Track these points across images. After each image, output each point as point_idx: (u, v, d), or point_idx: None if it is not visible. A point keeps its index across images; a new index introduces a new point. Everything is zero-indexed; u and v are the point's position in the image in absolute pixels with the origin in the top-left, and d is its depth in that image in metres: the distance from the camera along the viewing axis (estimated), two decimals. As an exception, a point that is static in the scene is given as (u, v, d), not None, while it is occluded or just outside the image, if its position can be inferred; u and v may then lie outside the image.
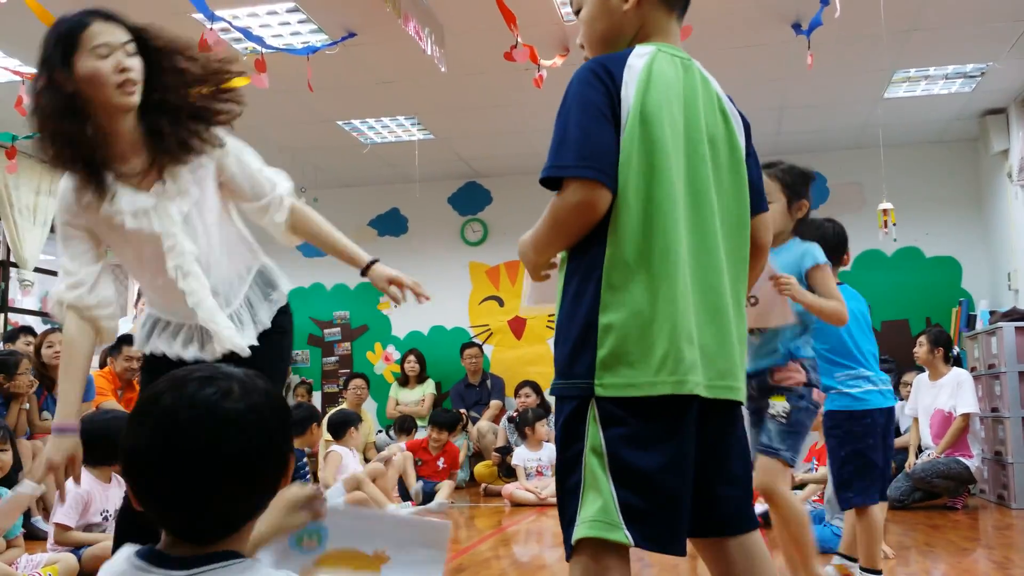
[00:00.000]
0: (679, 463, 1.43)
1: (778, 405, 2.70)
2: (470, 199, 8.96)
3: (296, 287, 9.10)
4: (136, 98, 2.09)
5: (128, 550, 1.18)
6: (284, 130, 7.27)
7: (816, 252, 2.80)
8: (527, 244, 1.60)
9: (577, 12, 1.67)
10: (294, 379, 8.49)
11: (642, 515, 1.40)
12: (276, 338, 2.36)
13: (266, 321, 2.33)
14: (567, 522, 1.45)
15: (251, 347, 2.26)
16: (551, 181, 1.49)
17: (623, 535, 1.38)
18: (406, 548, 1.62)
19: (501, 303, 8.81)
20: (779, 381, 2.72)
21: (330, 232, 2.40)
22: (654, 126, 1.48)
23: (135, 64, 2.07)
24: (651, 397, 1.41)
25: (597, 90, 1.48)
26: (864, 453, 3.09)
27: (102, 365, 6.19)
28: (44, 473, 2.10)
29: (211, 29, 4.71)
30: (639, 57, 1.53)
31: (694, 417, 1.46)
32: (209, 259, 2.25)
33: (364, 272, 2.41)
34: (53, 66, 2.03)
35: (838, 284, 2.91)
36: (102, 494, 4.15)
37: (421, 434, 7.21)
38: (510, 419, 7.76)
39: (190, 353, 2.25)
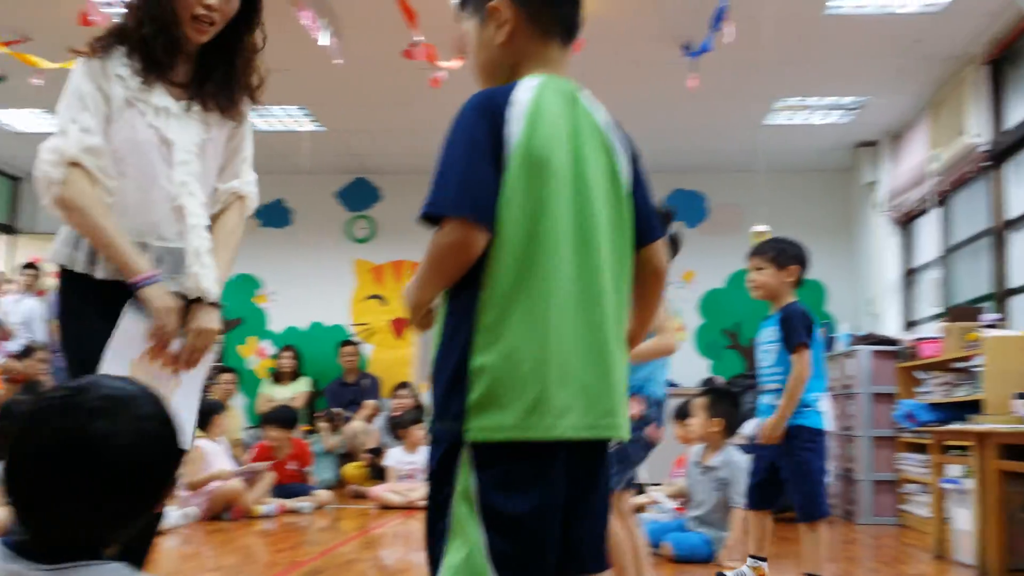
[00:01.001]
0: (550, 506, 1.43)
1: None
2: (359, 195, 8.87)
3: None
4: (204, 38, 2.08)
5: None
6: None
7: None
8: (410, 284, 1.58)
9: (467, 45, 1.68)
10: None
11: (513, 561, 1.39)
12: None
13: (192, 286, 2.19)
14: (433, 566, 1.44)
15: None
16: (431, 218, 1.47)
17: None
18: None
19: (385, 302, 8.75)
20: None
21: (218, 255, 2.22)
22: (540, 164, 1.47)
23: (223, 7, 2.07)
24: (522, 441, 1.40)
25: (480, 127, 1.46)
26: (825, 467, 3.37)
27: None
28: (164, 320, 1.98)
29: (92, 2, 4.54)
30: (525, 91, 1.50)
31: (564, 459, 1.46)
32: (208, 194, 2.19)
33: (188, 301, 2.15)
34: None
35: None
36: None
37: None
38: (389, 419, 7.71)
39: (168, 283, 2.09)
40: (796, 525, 5.77)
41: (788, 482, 3.28)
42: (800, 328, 3.29)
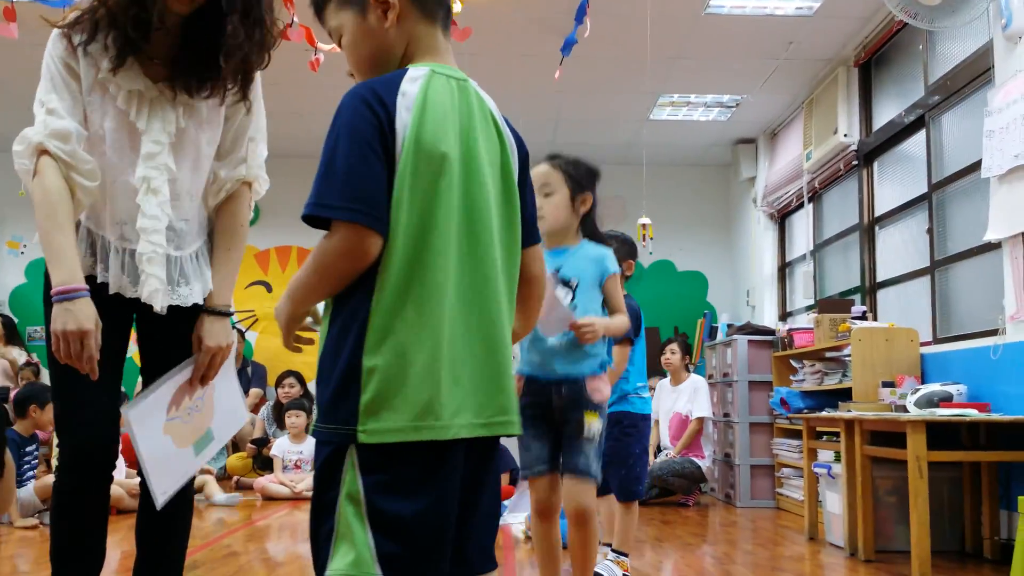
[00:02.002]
0: (441, 507, 1.40)
1: (594, 425, 2.62)
2: (242, 180, 8.64)
3: (39, 258, 8.49)
4: (186, 8, 1.89)
5: None
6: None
7: (614, 258, 2.74)
8: (284, 298, 1.51)
9: (339, 41, 1.58)
10: (18, 357, 7.81)
11: (402, 563, 1.36)
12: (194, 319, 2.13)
13: (188, 298, 2.06)
14: (319, 569, 1.39)
15: (197, 306, 2.03)
16: (316, 219, 1.39)
17: None
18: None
19: (269, 288, 8.57)
20: (593, 392, 2.63)
21: (227, 251, 2.12)
22: (431, 158, 1.41)
23: None
24: (414, 442, 1.37)
25: (367, 120, 1.38)
26: (646, 450, 3.64)
27: None
28: (81, 344, 1.80)
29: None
30: (412, 82, 1.44)
31: (458, 459, 1.43)
32: (186, 188, 2.02)
33: (205, 311, 2.08)
34: None
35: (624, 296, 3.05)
36: None
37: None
38: (274, 408, 7.57)
39: (123, 286, 1.98)
40: (678, 509, 5.99)
41: (609, 464, 3.34)
42: (632, 324, 3.35)
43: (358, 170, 1.38)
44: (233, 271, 2.12)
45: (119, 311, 2.04)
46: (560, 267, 2.65)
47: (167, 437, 2.02)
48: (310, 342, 1.59)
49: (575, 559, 2.70)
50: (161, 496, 2.02)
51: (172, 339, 2.08)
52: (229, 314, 2.08)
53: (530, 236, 1.60)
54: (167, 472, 2.04)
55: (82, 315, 1.82)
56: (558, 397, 2.62)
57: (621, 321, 2.70)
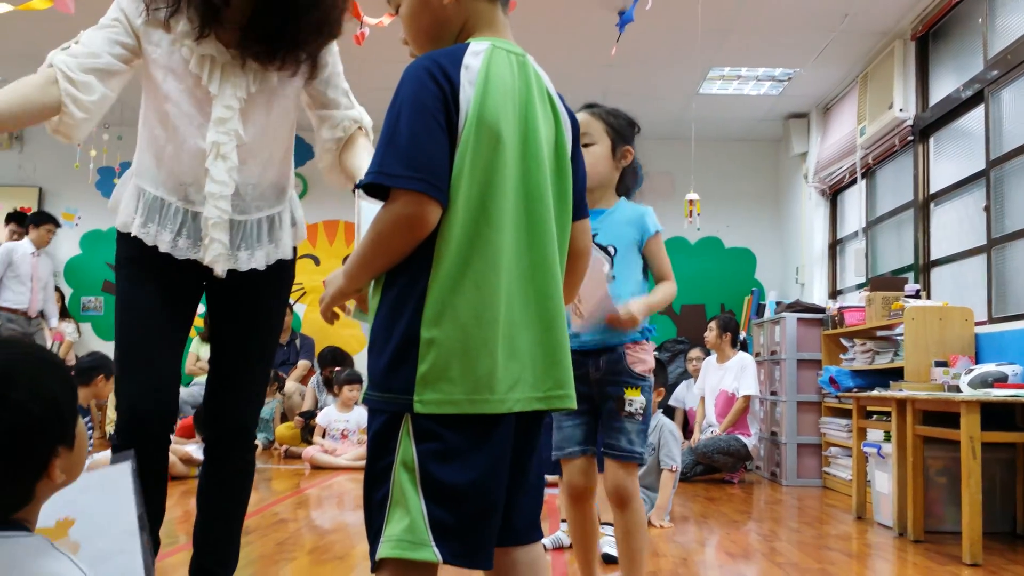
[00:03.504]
0: (493, 476, 1.42)
1: (636, 401, 2.40)
2: (291, 153, 8.70)
3: (93, 229, 8.66)
4: None
5: None
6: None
7: (654, 217, 2.51)
8: (338, 272, 1.52)
9: (396, 9, 1.58)
10: (64, 328, 8.00)
11: (453, 531, 1.38)
12: (284, 278, 2.20)
13: (287, 250, 2.16)
14: (373, 535, 1.41)
15: (254, 272, 2.08)
16: (376, 189, 1.40)
17: (431, 553, 1.35)
18: (88, 502, 1.55)
19: (317, 262, 8.66)
20: (634, 363, 2.42)
21: (358, 163, 2.15)
22: (492, 132, 1.42)
23: None
24: (469, 414, 1.39)
25: (432, 92, 1.39)
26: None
27: None
28: None
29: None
30: (475, 56, 1.44)
31: (510, 430, 1.45)
32: (254, 154, 2.05)
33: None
34: None
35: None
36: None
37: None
38: (321, 379, 7.67)
39: (180, 248, 2.03)
40: (723, 486, 5.96)
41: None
42: None
43: (421, 140, 1.38)
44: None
45: (189, 279, 2.09)
46: (596, 232, 2.39)
47: None
48: (346, 312, 1.60)
49: (618, 545, 2.51)
50: None
51: (230, 305, 2.12)
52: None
53: (579, 210, 1.61)
54: None
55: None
56: (595, 370, 2.42)
57: (667, 291, 2.47)
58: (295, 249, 2.25)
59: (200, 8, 1.92)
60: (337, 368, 7.61)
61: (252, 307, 2.14)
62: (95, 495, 1.56)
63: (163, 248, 2.03)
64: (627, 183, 2.55)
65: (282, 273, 2.20)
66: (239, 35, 1.96)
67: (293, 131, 2.18)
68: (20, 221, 7.47)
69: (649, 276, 2.53)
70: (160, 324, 2.06)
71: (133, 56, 1.99)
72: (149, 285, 2.06)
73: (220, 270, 2.02)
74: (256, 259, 2.10)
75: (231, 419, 2.22)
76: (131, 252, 2.07)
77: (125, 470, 1.59)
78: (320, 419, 6.83)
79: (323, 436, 6.72)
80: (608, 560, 3.31)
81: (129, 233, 2.06)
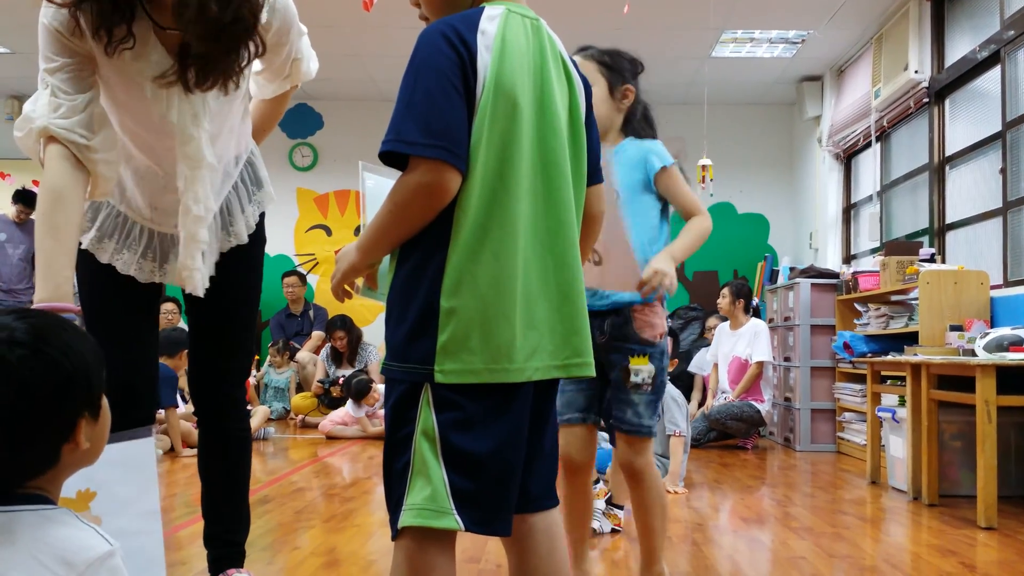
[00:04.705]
0: (512, 444, 1.43)
1: (643, 371, 2.22)
2: (301, 121, 8.67)
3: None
4: None
5: None
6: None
7: (661, 151, 2.31)
8: (350, 247, 1.49)
9: None
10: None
11: (474, 499, 1.38)
12: (251, 250, 2.14)
13: (243, 232, 2.10)
14: (394, 504, 1.42)
15: (218, 263, 2.05)
16: (393, 156, 1.38)
17: (453, 521, 1.36)
18: (110, 476, 1.54)
19: (329, 232, 8.65)
20: (641, 328, 2.22)
21: (260, 134, 2.17)
22: (509, 99, 1.40)
23: None
24: (489, 383, 1.39)
25: (448, 57, 1.36)
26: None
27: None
28: None
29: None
30: (490, 20, 1.41)
31: (529, 398, 1.45)
32: (214, 142, 1.92)
33: None
34: None
35: None
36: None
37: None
38: (331, 353, 7.71)
39: (144, 272, 1.98)
40: (736, 452, 5.98)
41: None
42: None
43: (440, 106, 1.36)
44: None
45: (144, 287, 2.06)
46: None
47: None
48: (355, 290, 1.59)
49: (635, 520, 2.38)
50: None
51: (225, 284, 2.10)
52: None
53: (594, 175, 1.61)
54: None
55: None
56: (600, 334, 2.22)
57: (696, 230, 2.25)
58: (263, 215, 2.22)
59: (127, 30, 1.72)
60: (340, 333, 7.61)
61: (223, 286, 2.10)
62: (117, 470, 1.55)
63: (123, 270, 1.99)
64: (634, 124, 2.37)
65: (250, 247, 2.15)
66: (178, 49, 1.77)
67: (246, 99, 2.09)
68: (28, 201, 7.40)
69: (673, 218, 2.33)
70: (126, 328, 2.03)
71: (91, 67, 1.79)
72: (110, 300, 2.01)
73: (200, 292, 1.99)
74: (241, 233, 2.09)
75: (219, 392, 2.23)
76: (88, 266, 2.00)
77: (147, 446, 1.58)
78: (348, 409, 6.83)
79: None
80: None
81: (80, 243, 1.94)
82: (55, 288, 1.66)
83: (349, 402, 6.69)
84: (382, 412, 6.77)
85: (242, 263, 2.14)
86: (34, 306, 1.60)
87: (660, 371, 2.26)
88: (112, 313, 2.03)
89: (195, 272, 1.95)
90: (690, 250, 2.25)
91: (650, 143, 2.31)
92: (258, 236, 2.20)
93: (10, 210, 7.35)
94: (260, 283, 2.26)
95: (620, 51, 2.40)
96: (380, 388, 6.68)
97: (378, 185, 1.61)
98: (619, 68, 2.34)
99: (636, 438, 2.25)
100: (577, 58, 2.30)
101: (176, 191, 1.91)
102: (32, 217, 7.38)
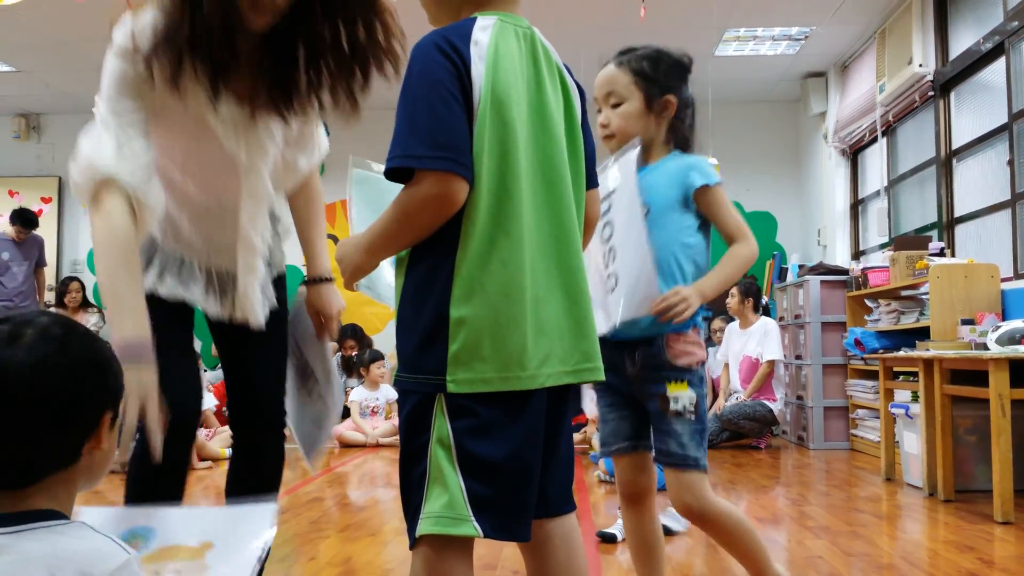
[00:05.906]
0: (528, 450, 1.43)
1: (683, 397, 2.03)
2: (306, 133, 8.69)
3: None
4: (264, 21, 1.71)
5: None
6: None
7: (705, 167, 2.10)
8: (352, 245, 1.49)
9: None
10: (89, 318, 8.07)
11: (492, 505, 1.38)
12: (281, 287, 2.13)
13: (283, 263, 2.11)
14: (411, 513, 1.42)
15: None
16: (399, 172, 1.38)
17: (471, 528, 1.36)
18: (231, 534, 1.59)
19: (336, 241, 8.66)
20: (676, 357, 2.04)
21: (317, 225, 2.18)
22: (505, 108, 1.41)
23: None
24: (503, 391, 1.39)
25: (444, 67, 1.37)
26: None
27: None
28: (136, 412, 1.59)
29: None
30: (483, 31, 1.42)
31: (543, 404, 1.45)
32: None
33: (307, 283, 2.18)
34: None
35: None
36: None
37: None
38: (342, 362, 7.72)
39: (211, 305, 1.97)
40: (750, 452, 5.96)
41: None
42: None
43: (441, 116, 1.37)
44: (324, 237, 2.20)
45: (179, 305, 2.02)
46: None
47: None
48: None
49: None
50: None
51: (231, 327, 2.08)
52: (333, 279, 2.10)
53: (589, 180, 1.61)
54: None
55: (149, 383, 1.63)
56: (631, 365, 2.08)
57: (736, 259, 2.09)
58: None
59: (207, 69, 1.74)
60: (351, 342, 7.65)
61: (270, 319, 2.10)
62: (237, 526, 1.60)
63: (188, 300, 1.97)
64: (682, 133, 2.15)
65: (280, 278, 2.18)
66: (252, 92, 1.81)
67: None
68: (27, 223, 7.38)
69: (714, 240, 2.16)
70: (168, 352, 1.90)
71: (148, 115, 1.81)
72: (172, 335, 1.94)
73: (262, 323, 2.00)
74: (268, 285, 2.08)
75: (266, 407, 2.11)
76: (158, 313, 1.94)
77: (268, 512, 1.63)
78: (352, 396, 6.90)
79: (359, 415, 6.81)
80: (606, 539, 3.29)
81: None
82: (137, 326, 1.66)
83: (358, 388, 6.77)
84: (381, 414, 6.80)
85: (281, 293, 2.14)
86: (121, 344, 1.61)
87: (702, 399, 2.08)
88: (171, 346, 1.96)
89: (256, 304, 1.98)
90: (726, 284, 2.11)
91: (694, 159, 2.13)
92: (283, 272, 2.20)
93: (9, 230, 7.37)
94: (286, 303, 2.24)
95: (664, 53, 2.17)
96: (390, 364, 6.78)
97: (367, 180, 1.61)
98: (659, 77, 2.13)
99: (683, 472, 2.03)
100: (610, 67, 2.18)
101: (233, 226, 1.93)
102: (30, 235, 7.42)
